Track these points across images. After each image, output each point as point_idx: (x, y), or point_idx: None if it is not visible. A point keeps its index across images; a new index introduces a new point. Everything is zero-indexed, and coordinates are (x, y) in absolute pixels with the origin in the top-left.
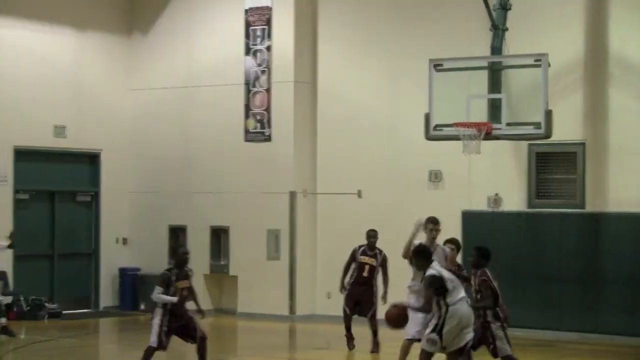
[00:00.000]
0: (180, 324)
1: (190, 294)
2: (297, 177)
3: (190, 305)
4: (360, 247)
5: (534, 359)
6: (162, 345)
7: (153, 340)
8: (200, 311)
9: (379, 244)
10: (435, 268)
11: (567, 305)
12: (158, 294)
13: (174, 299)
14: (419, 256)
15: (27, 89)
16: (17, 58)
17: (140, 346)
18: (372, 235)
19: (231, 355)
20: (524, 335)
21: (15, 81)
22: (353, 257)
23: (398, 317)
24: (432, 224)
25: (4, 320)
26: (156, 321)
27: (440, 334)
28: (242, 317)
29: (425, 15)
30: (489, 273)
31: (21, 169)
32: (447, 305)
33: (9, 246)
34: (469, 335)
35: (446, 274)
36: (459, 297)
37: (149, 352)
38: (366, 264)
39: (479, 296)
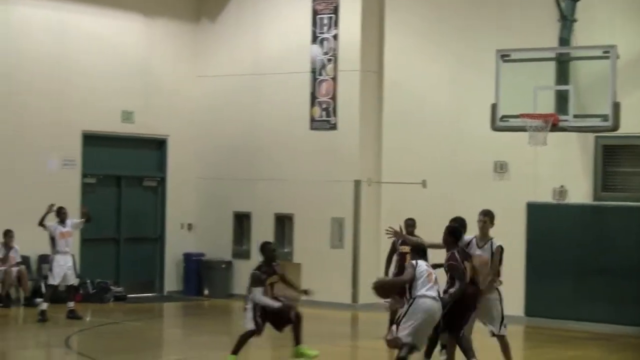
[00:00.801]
0: (273, 311)
1: (285, 283)
2: (361, 166)
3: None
4: None
5: (593, 352)
6: (259, 329)
7: (250, 325)
8: (304, 291)
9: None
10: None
11: (630, 299)
12: (260, 296)
13: (276, 305)
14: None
15: (96, 75)
16: (86, 44)
17: (205, 331)
18: (410, 224)
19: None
20: (583, 328)
21: (84, 67)
22: (394, 248)
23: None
24: (482, 215)
25: (71, 304)
26: (250, 304)
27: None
28: (305, 304)
29: (493, 6)
30: (457, 255)
31: (89, 154)
32: (413, 298)
33: (87, 220)
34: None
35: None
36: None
37: (247, 336)
38: (407, 253)
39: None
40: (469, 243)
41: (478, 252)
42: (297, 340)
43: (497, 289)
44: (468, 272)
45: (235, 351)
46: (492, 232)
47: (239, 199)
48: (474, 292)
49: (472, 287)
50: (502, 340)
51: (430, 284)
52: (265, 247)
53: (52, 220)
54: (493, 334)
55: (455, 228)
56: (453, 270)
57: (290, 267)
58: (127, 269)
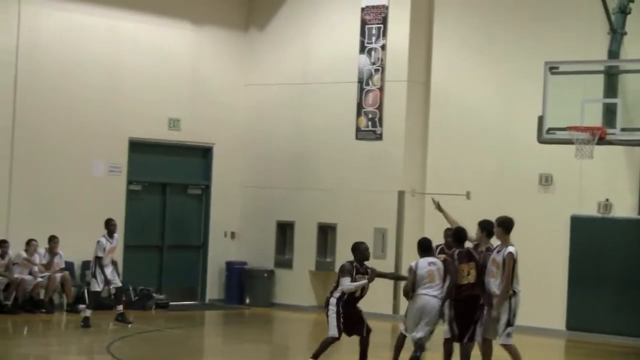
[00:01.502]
0: (351, 316)
1: (380, 276)
2: (406, 177)
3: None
4: (437, 246)
5: None
6: (340, 335)
7: (333, 331)
8: (399, 277)
9: None
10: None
11: None
12: (348, 284)
13: (363, 282)
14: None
15: (144, 82)
16: (135, 51)
17: (246, 340)
18: (448, 235)
19: (334, 352)
20: (625, 343)
21: (133, 74)
22: None
23: None
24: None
25: (120, 307)
26: (333, 308)
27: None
28: None
29: (542, 18)
30: (455, 253)
31: (135, 160)
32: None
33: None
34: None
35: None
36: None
37: (329, 342)
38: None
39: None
40: (495, 248)
41: (496, 256)
42: (363, 355)
43: (510, 297)
44: (470, 272)
45: (316, 356)
46: (534, 242)
47: (283, 208)
48: (475, 293)
49: (475, 289)
50: (508, 349)
51: (430, 283)
52: (358, 247)
53: (100, 234)
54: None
55: (458, 230)
56: (445, 264)
57: (332, 277)
58: (170, 276)
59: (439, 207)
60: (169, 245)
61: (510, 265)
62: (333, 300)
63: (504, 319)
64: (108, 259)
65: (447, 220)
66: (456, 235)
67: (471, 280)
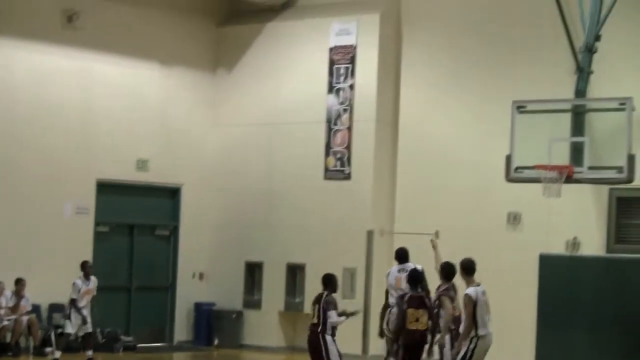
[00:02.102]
0: None
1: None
2: (375, 216)
3: None
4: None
5: None
6: None
7: None
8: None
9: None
10: None
11: None
12: (336, 317)
13: (344, 318)
14: None
15: (113, 123)
16: (104, 92)
17: None
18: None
19: None
20: None
21: (102, 115)
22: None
23: None
24: None
25: (90, 352)
26: (331, 345)
27: None
28: None
29: (509, 57)
30: (406, 295)
31: (102, 202)
32: None
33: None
34: None
35: None
36: None
37: None
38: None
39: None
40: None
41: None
42: None
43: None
44: (419, 319)
45: None
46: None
47: (252, 248)
48: (424, 340)
49: (424, 336)
50: None
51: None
52: (332, 278)
53: (77, 276)
54: None
55: (413, 273)
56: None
57: (301, 317)
58: (138, 318)
59: (434, 244)
60: (137, 287)
61: (468, 307)
62: (329, 339)
63: (460, 355)
64: (84, 301)
65: (435, 258)
66: (410, 277)
67: (420, 327)
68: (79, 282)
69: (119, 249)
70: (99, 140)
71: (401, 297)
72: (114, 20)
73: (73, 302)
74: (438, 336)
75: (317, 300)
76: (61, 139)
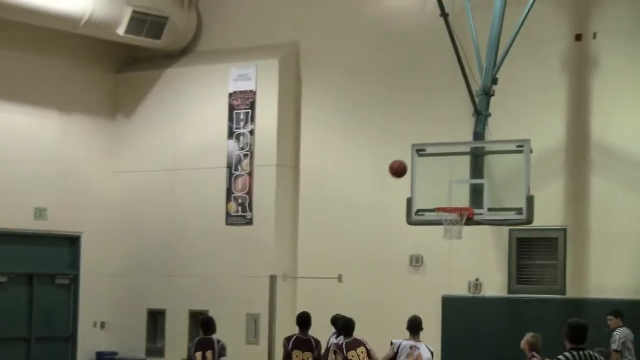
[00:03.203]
0: None
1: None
2: (277, 261)
3: None
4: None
5: None
6: None
7: None
8: None
9: (359, 331)
10: None
11: None
12: None
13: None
14: None
15: (9, 171)
16: (2, 139)
17: None
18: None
19: None
20: None
21: None
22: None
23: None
24: None
25: None
26: None
27: None
28: None
29: (408, 101)
30: (293, 339)
31: (0, 251)
32: None
33: None
34: None
35: None
36: None
37: None
38: None
39: None
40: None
41: None
42: None
43: None
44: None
45: None
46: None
47: (154, 296)
48: None
49: None
50: None
51: None
52: (213, 321)
53: None
54: None
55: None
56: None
57: None
58: None
59: None
60: (36, 337)
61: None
62: None
63: None
64: None
65: None
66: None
67: None
68: None
69: (18, 299)
70: None
71: (287, 339)
72: (11, 68)
73: None
74: None
75: (209, 345)
76: None
